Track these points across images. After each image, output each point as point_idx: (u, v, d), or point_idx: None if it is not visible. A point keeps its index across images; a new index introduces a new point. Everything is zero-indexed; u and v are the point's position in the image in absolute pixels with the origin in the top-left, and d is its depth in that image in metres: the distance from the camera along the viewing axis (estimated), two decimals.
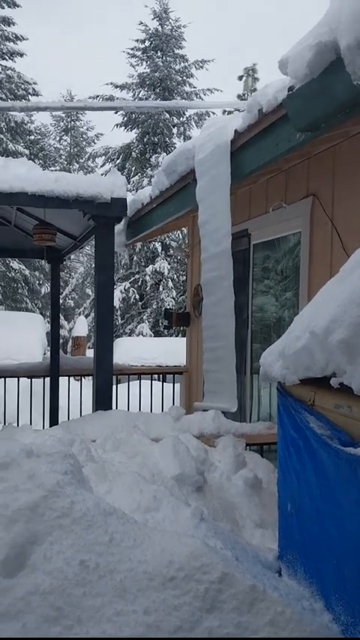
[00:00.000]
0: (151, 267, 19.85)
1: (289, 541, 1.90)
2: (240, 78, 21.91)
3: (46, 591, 1.26)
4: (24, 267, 20.75)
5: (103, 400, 3.59)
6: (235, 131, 2.91)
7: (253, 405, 4.52)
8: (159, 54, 21.21)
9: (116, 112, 20.95)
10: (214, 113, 22.10)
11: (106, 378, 3.72)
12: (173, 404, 5.82)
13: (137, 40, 21.31)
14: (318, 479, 1.61)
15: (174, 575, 1.30)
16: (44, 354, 14.67)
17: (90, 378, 5.19)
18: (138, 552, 1.37)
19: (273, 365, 1.68)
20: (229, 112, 21.74)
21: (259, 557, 1.90)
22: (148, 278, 19.91)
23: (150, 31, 21.36)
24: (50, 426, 5.72)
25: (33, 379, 5.97)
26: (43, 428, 5.81)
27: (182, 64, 21.47)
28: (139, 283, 20.34)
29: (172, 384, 6.34)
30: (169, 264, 20.04)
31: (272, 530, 2.42)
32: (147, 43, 21.35)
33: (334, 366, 1.36)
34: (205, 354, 3.61)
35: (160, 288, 19.86)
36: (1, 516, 1.38)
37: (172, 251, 19.59)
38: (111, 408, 3.60)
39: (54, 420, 5.79)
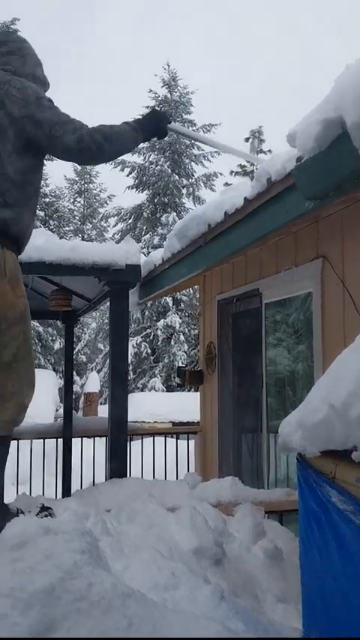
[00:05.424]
0: (162, 321, 19.99)
1: (313, 620, 1.82)
2: (246, 140, 22.72)
3: None
4: (37, 324, 20.98)
5: (117, 467, 3.55)
6: (245, 198, 3.00)
7: (270, 465, 4.43)
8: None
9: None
10: (222, 174, 22.85)
11: (120, 443, 3.70)
12: (188, 463, 5.72)
13: (147, 107, 22.34)
14: (341, 556, 1.55)
15: None
16: (56, 410, 14.61)
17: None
18: None
19: (292, 435, 1.66)
20: (237, 173, 22.43)
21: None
22: (159, 332, 20.01)
23: (159, 98, 22.42)
24: (63, 489, 5.63)
25: (46, 439, 5.92)
26: (56, 490, 5.72)
27: (191, 129, 22.38)
28: (151, 337, 20.43)
29: (186, 441, 6.27)
30: (180, 318, 20.17)
31: (295, 604, 2.31)
32: (157, 109, 22.35)
33: (355, 440, 1.35)
34: None
35: (172, 342, 19.91)
36: (17, 600, 1.35)
37: (183, 305, 19.77)
38: (126, 474, 3.55)
39: (67, 483, 5.70)
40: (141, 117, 2.65)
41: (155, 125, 2.68)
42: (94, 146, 2.32)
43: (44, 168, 2.55)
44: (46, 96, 2.39)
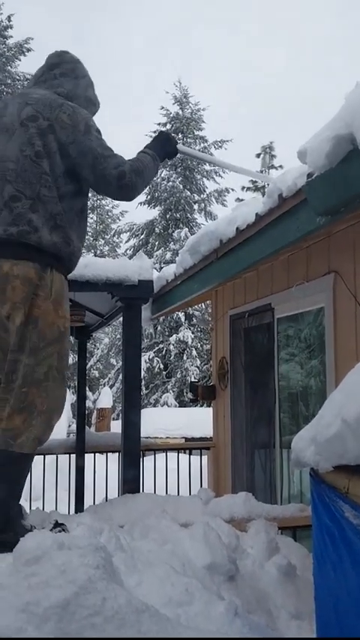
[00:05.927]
0: (174, 336, 20.01)
1: (327, 637, 1.80)
2: (258, 155, 22.89)
3: None
4: None
5: (130, 482, 3.55)
6: (257, 214, 3.02)
7: (283, 481, 4.40)
8: (180, 136, 22.45)
9: None
10: (233, 190, 22.99)
11: (133, 459, 3.70)
12: (200, 479, 5.70)
13: (159, 124, 22.64)
14: (356, 572, 1.54)
15: None
16: (69, 426, 14.61)
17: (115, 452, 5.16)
18: None
19: (305, 450, 1.66)
20: (248, 189, 22.55)
21: None
22: (172, 347, 20.02)
23: (171, 115, 22.70)
24: (76, 504, 5.62)
25: (59, 455, 5.93)
26: (69, 505, 5.71)
27: (202, 145, 22.61)
28: (163, 352, 20.44)
29: (198, 456, 6.25)
30: (192, 333, 20.18)
31: (309, 621, 2.29)
32: (168, 126, 22.65)
33: None
34: None
35: (184, 357, 19.89)
36: (32, 614, 1.36)
37: (195, 320, 19.80)
38: (139, 489, 3.55)
39: (79, 499, 5.70)
40: (152, 142, 2.70)
41: (167, 147, 2.75)
42: (131, 184, 2.38)
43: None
44: (95, 125, 2.41)
